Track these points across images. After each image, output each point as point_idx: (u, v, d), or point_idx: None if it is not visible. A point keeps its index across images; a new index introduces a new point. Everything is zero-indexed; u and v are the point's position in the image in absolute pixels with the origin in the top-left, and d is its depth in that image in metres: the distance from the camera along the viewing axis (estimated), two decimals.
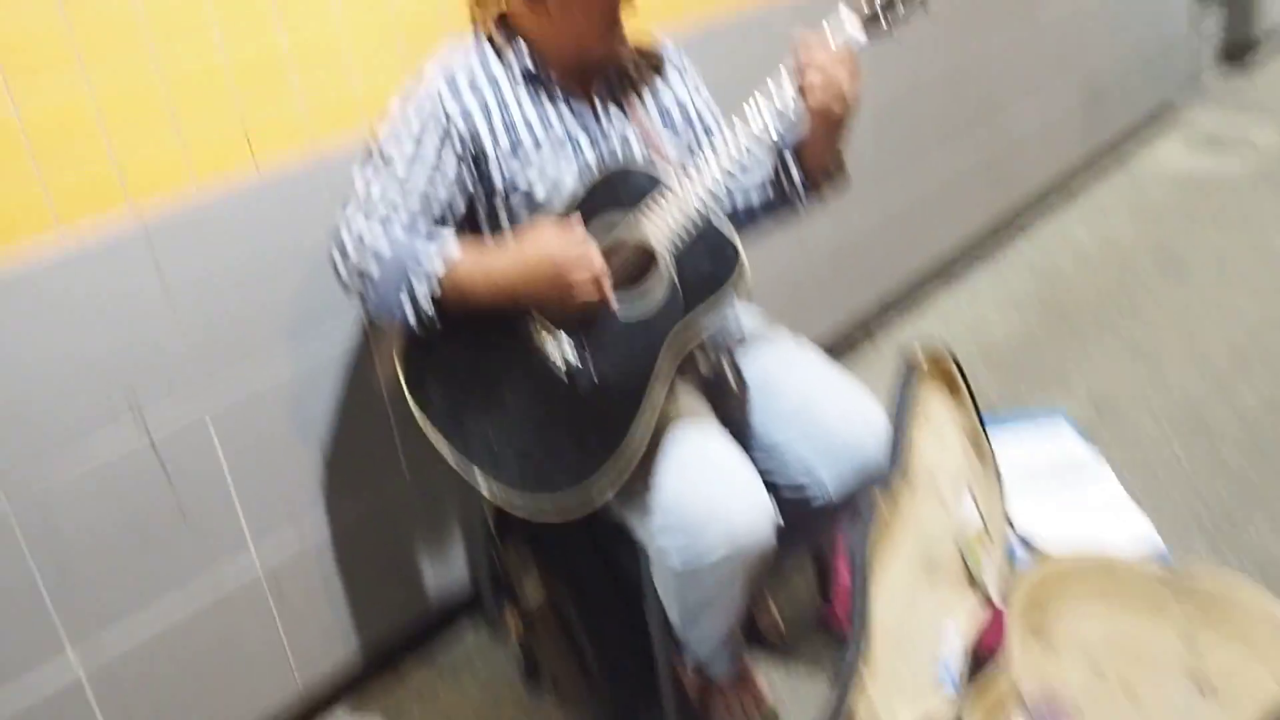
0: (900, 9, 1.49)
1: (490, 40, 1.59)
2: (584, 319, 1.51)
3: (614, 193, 1.53)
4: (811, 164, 1.60)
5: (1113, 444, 2.38)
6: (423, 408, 1.52)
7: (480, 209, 1.60)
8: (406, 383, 1.53)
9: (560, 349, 1.52)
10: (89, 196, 1.50)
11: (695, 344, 1.60)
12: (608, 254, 1.49)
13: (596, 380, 1.50)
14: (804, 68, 1.46)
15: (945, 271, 3.26)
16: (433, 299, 1.46)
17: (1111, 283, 3.15)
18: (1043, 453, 2.34)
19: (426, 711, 1.98)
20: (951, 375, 1.86)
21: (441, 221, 1.55)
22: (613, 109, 1.64)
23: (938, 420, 1.83)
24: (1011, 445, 2.39)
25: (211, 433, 1.70)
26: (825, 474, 1.63)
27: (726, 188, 1.50)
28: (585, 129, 1.60)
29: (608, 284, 1.48)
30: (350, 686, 2.02)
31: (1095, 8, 3.77)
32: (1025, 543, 2.01)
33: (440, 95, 1.53)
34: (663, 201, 1.49)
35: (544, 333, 1.53)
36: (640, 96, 1.67)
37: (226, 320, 1.68)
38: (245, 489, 1.76)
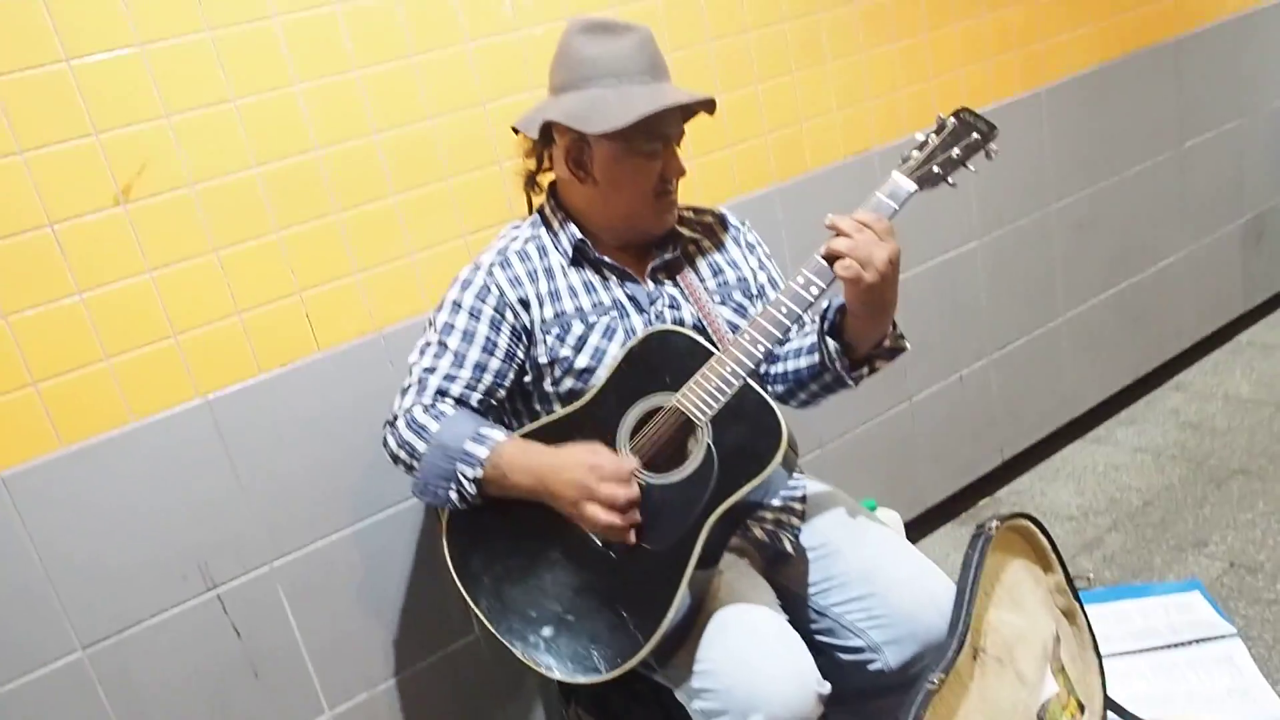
0: (956, 164, 1.48)
1: (544, 219, 1.67)
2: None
3: (655, 358, 1.53)
4: (854, 334, 1.56)
5: (1251, 615, 2.18)
6: (465, 581, 1.54)
7: (529, 378, 1.63)
8: (451, 556, 1.56)
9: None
10: (159, 392, 1.65)
11: (743, 513, 1.58)
12: (645, 423, 1.50)
13: (634, 560, 1.48)
14: (832, 234, 1.45)
15: (1080, 425, 3.10)
16: (475, 481, 1.49)
17: (1268, 436, 2.91)
18: (1169, 626, 2.17)
19: None
20: (1038, 543, 1.76)
21: (492, 394, 1.60)
22: (665, 279, 1.66)
23: (1019, 592, 1.73)
24: (1136, 617, 2.23)
25: (280, 593, 1.79)
26: (884, 643, 1.58)
27: (771, 355, 1.49)
28: (633, 299, 1.63)
29: (630, 520, 1.43)
30: None
31: (1257, 133, 3.47)
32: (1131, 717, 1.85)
33: (493, 271, 1.60)
34: (704, 368, 1.48)
35: None
36: (695, 267, 1.70)
37: (291, 485, 1.77)
38: (315, 646, 1.83)
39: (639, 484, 1.45)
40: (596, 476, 1.42)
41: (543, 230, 1.66)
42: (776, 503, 1.70)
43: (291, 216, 1.73)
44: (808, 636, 1.68)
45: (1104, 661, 1.81)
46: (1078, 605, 1.79)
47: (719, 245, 1.74)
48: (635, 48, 1.54)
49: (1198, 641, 2.10)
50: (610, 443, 1.51)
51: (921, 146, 1.50)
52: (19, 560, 1.55)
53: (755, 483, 1.45)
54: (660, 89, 1.55)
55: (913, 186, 1.48)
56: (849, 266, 1.41)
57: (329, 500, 1.82)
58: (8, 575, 1.55)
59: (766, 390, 1.61)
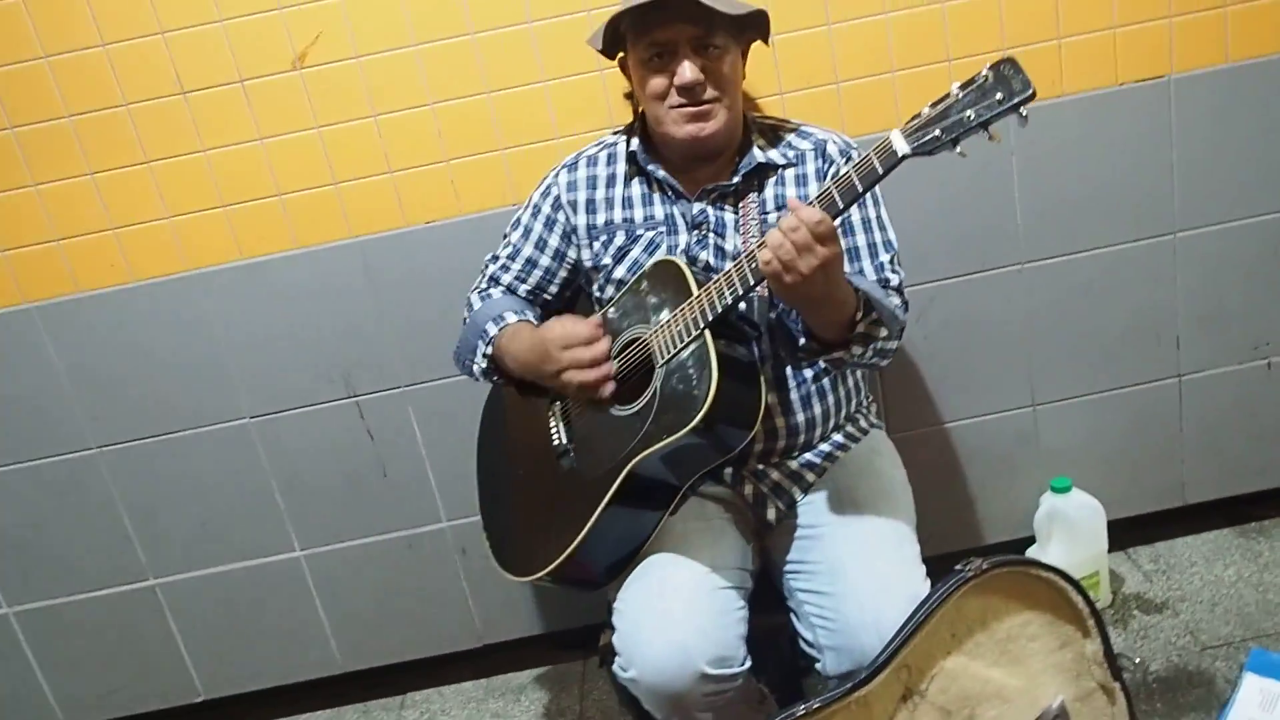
0: (969, 128, 1.23)
1: (630, 128, 1.68)
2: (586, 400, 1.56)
3: (657, 286, 1.52)
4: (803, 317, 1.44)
5: None
6: (478, 455, 1.75)
7: (584, 283, 1.72)
8: (480, 431, 1.76)
9: (559, 431, 1.60)
10: (319, 227, 1.96)
11: (737, 463, 1.58)
12: (627, 349, 1.53)
13: (570, 479, 1.55)
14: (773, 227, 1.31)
15: None
16: (488, 358, 1.65)
17: None
18: None
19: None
20: (1071, 601, 1.48)
21: (541, 289, 1.71)
22: (726, 203, 1.59)
23: (1022, 647, 1.49)
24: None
25: (410, 412, 2.09)
26: (827, 647, 1.50)
27: (736, 308, 1.42)
28: (684, 217, 1.60)
29: (600, 373, 1.49)
30: (530, 654, 2.32)
31: None
32: None
33: (559, 173, 1.68)
34: (679, 309, 1.46)
35: (551, 412, 1.62)
36: (764, 195, 1.59)
37: (429, 326, 2.00)
38: (436, 458, 2.12)
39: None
40: (560, 346, 1.52)
41: (622, 138, 1.68)
42: (793, 463, 1.63)
43: (445, 91, 1.90)
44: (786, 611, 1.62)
45: None
46: (1118, 686, 1.50)
47: (803, 177, 1.60)
48: None
49: None
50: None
51: (938, 102, 1.24)
52: (208, 341, 2.01)
53: (661, 446, 1.41)
54: None
55: (905, 149, 1.25)
56: (770, 264, 1.30)
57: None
58: (200, 351, 2.02)
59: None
